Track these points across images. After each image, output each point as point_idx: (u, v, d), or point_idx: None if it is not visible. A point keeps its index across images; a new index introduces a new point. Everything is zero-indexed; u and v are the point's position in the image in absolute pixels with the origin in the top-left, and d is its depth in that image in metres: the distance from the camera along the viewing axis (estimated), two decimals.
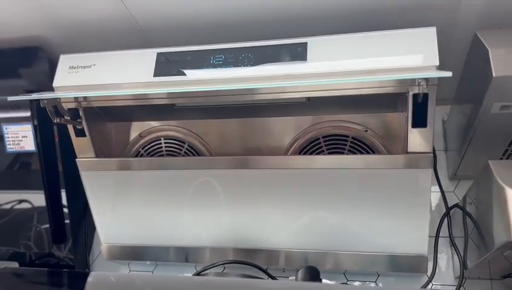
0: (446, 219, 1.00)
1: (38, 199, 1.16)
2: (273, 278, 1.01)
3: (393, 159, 0.89)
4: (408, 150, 0.87)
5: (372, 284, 1.05)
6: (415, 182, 0.89)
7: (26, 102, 1.05)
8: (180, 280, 0.82)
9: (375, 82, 0.81)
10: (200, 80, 0.87)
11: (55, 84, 0.94)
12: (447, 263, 1.02)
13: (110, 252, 1.14)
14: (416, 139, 0.86)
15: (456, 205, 0.97)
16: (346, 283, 1.03)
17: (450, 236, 0.99)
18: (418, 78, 0.76)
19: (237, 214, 1.03)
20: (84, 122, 0.98)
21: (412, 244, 0.95)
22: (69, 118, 0.95)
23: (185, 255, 1.11)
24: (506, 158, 0.93)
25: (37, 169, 1.10)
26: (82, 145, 1.02)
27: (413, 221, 0.92)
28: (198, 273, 0.92)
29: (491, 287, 0.98)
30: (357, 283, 1.08)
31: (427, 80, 0.74)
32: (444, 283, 1.02)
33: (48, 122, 1.13)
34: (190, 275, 1.16)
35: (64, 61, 0.96)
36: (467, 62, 0.90)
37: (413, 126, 0.84)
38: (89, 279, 0.85)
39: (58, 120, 0.90)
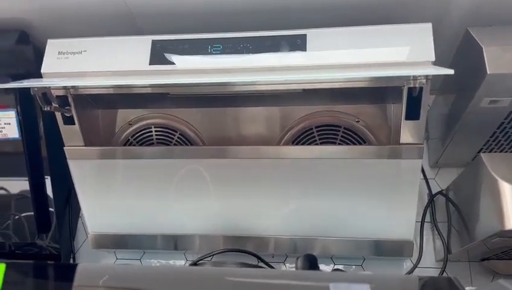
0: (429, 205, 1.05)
1: (16, 186, 1.13)
2: (270, 266, 1.03)
3: (385, 150, 0.92)
4: (400, 141, 0.90)
5: (357, 268, 1.10)
6: (406, 172, 0.92)
7: (9, 88, 1.01)
8: (180, 270, 0.83)
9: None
10: (198, 69, 0.86)
11: (43, 70, 0.90)
12: (429, 247, 1.07)
13: (97, 241, 1.12)
14: (409, 131, 0.89)
15: (439, 193, 1.02)
16: (336, 268, 1.07)
17: (434, 222, 1.04)
18: (419, 75, 0.78)
19: (227, 203, 1.04)
20: (73, 110, 0.96)
21: (399, 230, 0.99)
22: (57, 106, 0.92)
23: (174, 243, 1.11)
24: (488, 149, 0.98)
25: (20, 156, 1.07)
26: (70, 134, 0.99)
27: (401, 208, 0.96)
28: (195, 263, 0.93)
29: (469, 269, 1.05)
30: (342, 267, 1.12)
31: (426, 75, 0.77)
32: (426, 265, 1.07)
33: (32, 108, 1.10)
34: (181, 262, 1.17)
35: (53, 47, 0.92)
36: (456, 56, 0.94)
37: (407, 118, 0.87)
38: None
39: (48, 108, 0.87)
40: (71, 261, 1.21)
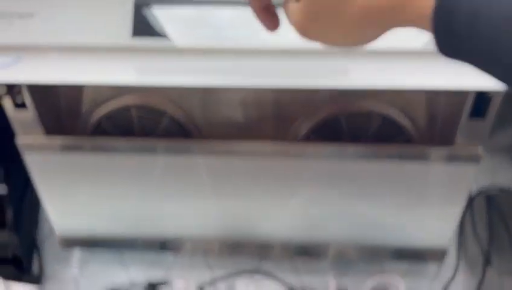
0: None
1: None
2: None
3: (434, 151, 0.74)
4: (457, 141, 0.72)
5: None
6: (456, 178, 0.76)
7: None
8: None
9: None
10: (198, 48, 0.63)
11: None
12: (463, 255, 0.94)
13: (66, 242, 0.93)
14: (469, 131, 0.70)
15: (481, 193, 0.86)
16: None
17: (473, 226, 0.89)
18: None
19: (226, 203, 0.86)
20: (25, 91, 0.71)
21: (437, 236, 0.85)
22: (5, 90, 0.66)
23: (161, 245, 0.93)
24: None
25: None
26: (23, 120, 0.75)
27: (444, 215, 0.81)
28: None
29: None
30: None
31: None
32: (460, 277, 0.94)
33: None
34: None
35: None
36: None
37: (471, 116, 0.68)
38: None
39: None
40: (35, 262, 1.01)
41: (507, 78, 0.29)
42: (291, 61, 0.62)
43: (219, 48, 0.62)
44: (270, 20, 0.39)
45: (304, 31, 0.36)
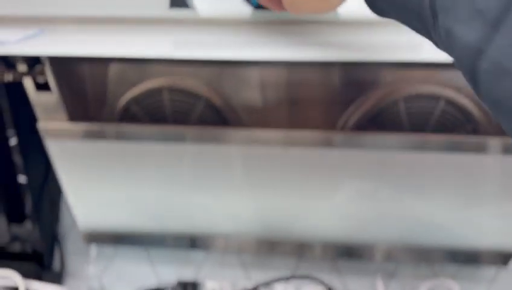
0: None
1: None
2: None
3: (505, 142, 0.65)
4: None
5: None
6: None
7: None
8: None
9: None
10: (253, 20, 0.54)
11: None
12: None
13: (91, 237, 0.86)
14: None
15: None
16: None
17: None
18: None
19: (265, 197, 0.78)
20: (48, 70, 0.63)
21: (502, 238, 0.76)
22: (25, 68, 0.59)
23: (191, 242, 0.86)
24: None
25: None
26: (46, 104, 0.67)
27: (509, 214, 0.72)
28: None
29: None
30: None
31: None
32: None
33: None
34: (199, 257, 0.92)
35: None
36: None
37: None
38: None
39: (10, 77, 0.55)
40: (56, 257, 0.95)
41: (422, 30, 0.34)
42: (341, 34, 0.54)
43: (262, 19, 0.54)
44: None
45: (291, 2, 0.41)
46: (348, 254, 0.84)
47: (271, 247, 0.85)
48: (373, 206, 0.78)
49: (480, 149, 0.68)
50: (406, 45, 0.58)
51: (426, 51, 0.57)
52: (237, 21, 0.56)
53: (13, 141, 0.81)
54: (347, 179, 0.76)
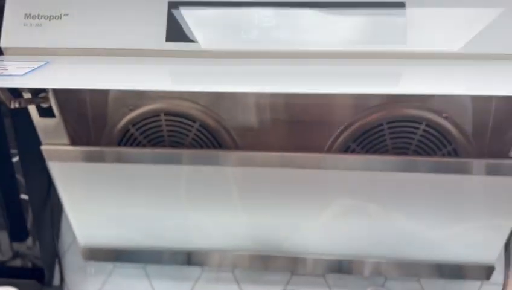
0: None
1: None
2: None
3: (489, 165, 0.68)
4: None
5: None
6: (508, 189, 0.70)
7: None
8: None
9: None
10: (238, 51, 0.58)
11: (3, 43, 0.60)
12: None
13: (90, 254, 0.89)
14: None
15: None
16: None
17: None
18: None
19: (257, 215, 0.82)
20: (52, 98, 0.67)
21: (484, 253, 0.79)
22: (30, 96, 0.63)
23: (187, 258, 0.89)
24: None
25: None
26: (49, 128, 0.71)
27: (493, 231, 0.76)
28: None
29: None
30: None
31: None
32: None
33: None
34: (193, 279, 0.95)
35: (15, 6, 0.61)
36: None
37: None
38: None
39: (16, 104, 0.58)
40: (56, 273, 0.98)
41: None
42: (332, 65, 0.58)
43: (256, 51, 0.58)
44: None
45: None
46: (338, 269, 0.87)
47: (264, 263, 0.88)
48: (362, 223, 0.81)
49: (463, 170, 0.72)
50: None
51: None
52: (233, 53, 0.60)
53: (16, 160, 0.84)
54: (337, 197, 0.79)
